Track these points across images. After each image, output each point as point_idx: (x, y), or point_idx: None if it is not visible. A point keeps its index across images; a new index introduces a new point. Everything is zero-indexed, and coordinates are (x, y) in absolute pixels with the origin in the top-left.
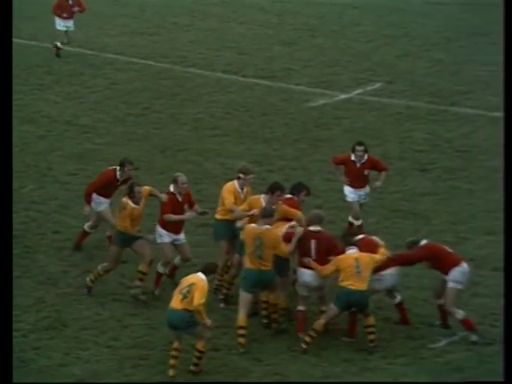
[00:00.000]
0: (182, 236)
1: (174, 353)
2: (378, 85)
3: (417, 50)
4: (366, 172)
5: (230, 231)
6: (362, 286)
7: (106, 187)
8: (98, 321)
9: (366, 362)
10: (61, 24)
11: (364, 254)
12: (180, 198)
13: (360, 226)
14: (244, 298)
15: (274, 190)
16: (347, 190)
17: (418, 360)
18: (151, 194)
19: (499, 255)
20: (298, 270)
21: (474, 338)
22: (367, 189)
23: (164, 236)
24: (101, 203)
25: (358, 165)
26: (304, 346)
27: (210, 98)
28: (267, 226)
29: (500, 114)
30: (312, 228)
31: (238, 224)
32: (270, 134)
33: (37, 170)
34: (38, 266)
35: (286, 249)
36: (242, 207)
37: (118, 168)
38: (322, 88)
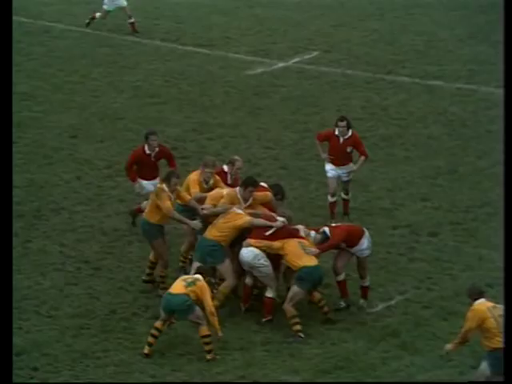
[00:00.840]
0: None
1: (154, 331)
2: (315, 53)
3: (352, 20)
4: (348, 149)
5: (189, 215)
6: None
7: (141, 166)
8: (39, 290)
9: (306, 328)
10: None
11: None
12: (230, 181)
13: (334, 203)
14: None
15: (246, 185)
16: (328, 166)
17: (357, 325)
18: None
19: (435, 221)
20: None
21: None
22: (350, 167)
23: None
24: (143, 187)
25: (342, 140)
26: (301, 335)
27: (148, 66)
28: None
29: (435, 82)
30: None
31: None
32: (209, 102)
33: None
34: None
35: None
36: (222, 201)
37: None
38: (260, 56)
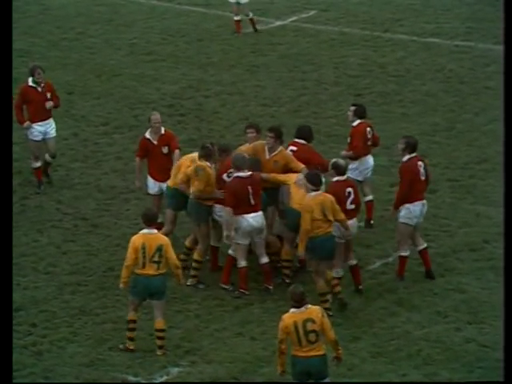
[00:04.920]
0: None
1: (131, 325)
2: (312, 12)
3: None
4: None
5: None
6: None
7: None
8: (37, 247)
9: (302, 286)
10: None
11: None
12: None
13: None
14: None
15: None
16: None
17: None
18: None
19: (432, 178)
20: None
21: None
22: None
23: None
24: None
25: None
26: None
27: (145, 24)
28: None
29: (433, 40)
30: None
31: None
32: (206, 59)
33: None
34: None
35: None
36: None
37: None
38: (257, 15)
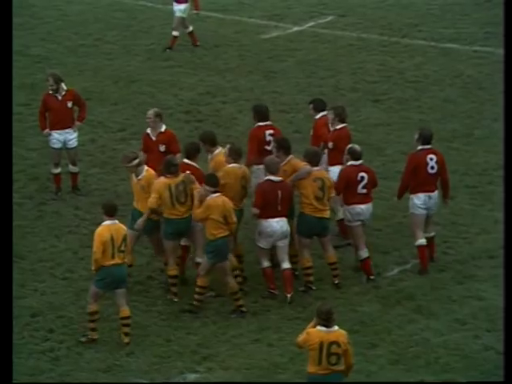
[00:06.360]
0: None
1: (96, 316)
2: (330, 18)
3: None
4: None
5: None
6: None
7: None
8: (54, 253)
9: (320, 292)
10: None
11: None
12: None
13: None
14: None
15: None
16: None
17: (372, 289)
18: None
19: (451, 184)
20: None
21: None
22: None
23: None
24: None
25: None
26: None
27: (162, 30)
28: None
29: (451, 45)
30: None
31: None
32: (224, 65)
33: None
34: None
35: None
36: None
37: None
38: (274, 21)
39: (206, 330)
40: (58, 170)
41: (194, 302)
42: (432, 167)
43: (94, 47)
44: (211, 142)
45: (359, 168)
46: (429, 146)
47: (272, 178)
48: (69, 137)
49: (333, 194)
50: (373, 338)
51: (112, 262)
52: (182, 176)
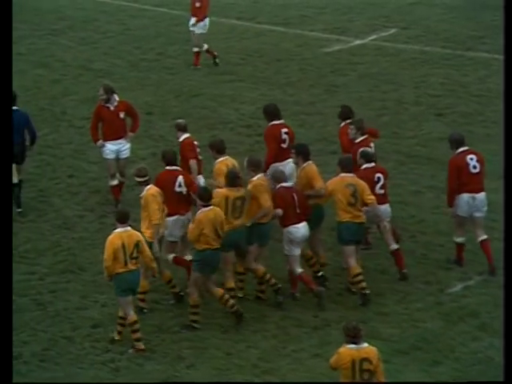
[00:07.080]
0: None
1: (136, 326)
2: (392, 31)
3: None
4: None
5: None
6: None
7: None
8: None
9: (382, 307)
10: None
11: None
12: None
13: None
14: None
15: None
16: None
17: (434, 305)
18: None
19: None
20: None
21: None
22: None
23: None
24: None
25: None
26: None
27: (224, 44)
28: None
29: None
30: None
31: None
32: (285, 79)
33: (51, 114)
34: (54, 210)
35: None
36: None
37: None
38: (336, 34)
39: (266, 343)
40: (115, 182)
41: (192, 324)
42: (474, 166)
43: (155, 62)
44: (217, 150)
45: (374, 169)
46: (466, 148)
47: (284, 184)
48: (122, 148)
49: (371, 200)
50: (436, 354)
51: (125, 269)
52: (242, 191)
